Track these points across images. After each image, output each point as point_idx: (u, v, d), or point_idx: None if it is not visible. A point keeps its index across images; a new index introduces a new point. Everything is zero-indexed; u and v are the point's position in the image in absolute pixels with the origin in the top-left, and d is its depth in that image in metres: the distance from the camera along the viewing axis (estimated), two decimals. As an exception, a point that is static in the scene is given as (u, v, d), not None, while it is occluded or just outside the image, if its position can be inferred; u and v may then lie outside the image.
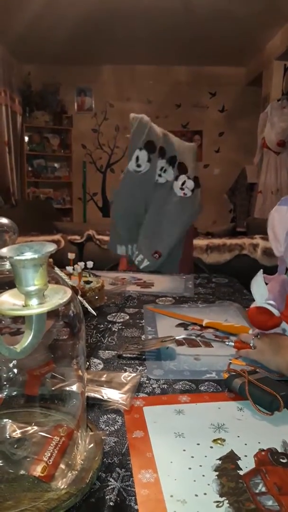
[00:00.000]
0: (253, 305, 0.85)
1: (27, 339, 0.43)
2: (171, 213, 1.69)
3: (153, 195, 1.70)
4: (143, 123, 1.69)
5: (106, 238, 2.16)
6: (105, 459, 0.53)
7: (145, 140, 1.66)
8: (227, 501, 0.46)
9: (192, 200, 1.71)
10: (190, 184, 1.70)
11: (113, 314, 1.12)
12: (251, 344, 0.81)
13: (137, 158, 1.65)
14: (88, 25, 4.04)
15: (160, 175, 1.69)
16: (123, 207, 1.72)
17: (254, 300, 0.85)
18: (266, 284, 0.85)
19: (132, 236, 1.73)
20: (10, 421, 0.55)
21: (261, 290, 0.82)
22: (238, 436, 0.58)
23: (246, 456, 0.54)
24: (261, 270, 0.84)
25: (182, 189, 1.70)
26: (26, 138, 5.44)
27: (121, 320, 1.08)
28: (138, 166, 1.65)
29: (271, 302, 0.79)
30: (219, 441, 0.57)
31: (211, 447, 0.56)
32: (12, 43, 4.52)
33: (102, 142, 5.73)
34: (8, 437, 0.53)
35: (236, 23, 3.94)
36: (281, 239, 0.87)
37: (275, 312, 0.79)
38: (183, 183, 1.70)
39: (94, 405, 0.65)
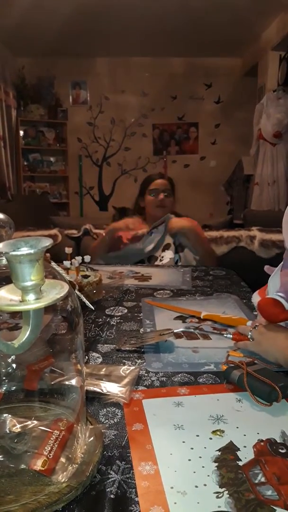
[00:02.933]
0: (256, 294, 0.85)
1: (24, 335, 0.43)
2: None
3: None
4: None
5: (104, 232, 2.16)
6: (105, 452, 0.53)
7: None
8: (226, 491, 0.47)
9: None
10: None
11: (111, 308, 1.12)
12: (249, 336, 0.81)
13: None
14: (82, 17, 3.99)
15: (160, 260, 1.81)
16: None
17: (251, 292, 0.85)
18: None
19: None
20: (10, 415, 0.55)
21: (275, 281, 0.83)
22: (237, 427, 0.59)
23: (245, 447, 0.54)
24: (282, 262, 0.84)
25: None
26: (21, 132, 5.38)
27: (119, 313, 1.08)
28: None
29: (282, 295, 0.80)
30: (218, 433, 0.57)
31: (211, 439, 0.56)
32: (6, 36, 4.47)
33: (97, 135, 5.70)
34: (8, 431, 0.53)
35: (231, 13, 3.90)
36: None
37: (286, 305, 0.79)
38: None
39: (94, 399, 0.66)
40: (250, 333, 0.81)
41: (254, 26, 4.32)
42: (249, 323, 0.93)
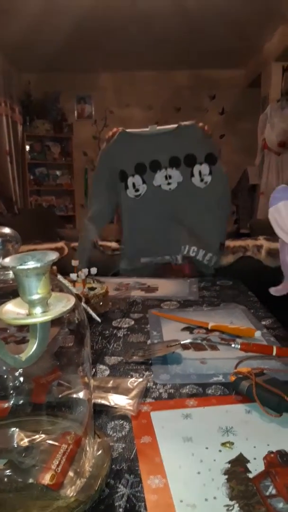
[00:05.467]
0: None
1: (32, 348, 0.43)
2: (208, 206, 1.66)
3: (174, 205, 1.65)
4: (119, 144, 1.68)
5: (110, 244, 2.17)
6: (113, 466, 0.53)
7: (134, 163, 1.64)
8: (237, 504, 0.46)
9: (217, 178, 1.67)
10: (205, 169, 1.64)
11: (118, 320, 1.12)
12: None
13: (134, 185, 1.63)
14: (86, 32, 4.07)
15: (169, 183, 1.65)
16: (143, 228, 1.69)
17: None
18: None
19: (155, 249, 1.71)
20: (17, 429, 0.55)
21: None
22: (247, 439, 0.58)
23: (255, 458, 0.54)
24: None
25: (202, 179, 1.64)
26: (27, 147, 5.46)
27: (126, 325, 1.08)
28: (137, 190, 1.63)
29: None
30: (227, 445, 0.57)
31: (220, 451, 0.56)
32: (12, 52, 4.57)
33: (103, 148, 5.75)
34: (16, 446, 0.53)
35: (233, 25, 3.96)
36: None
37: None
38: (199, 174, 1.64)
39: (101, 412, 0.65)
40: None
41: (256, 38, 4.37)
42: (258, 333, 0.93)
